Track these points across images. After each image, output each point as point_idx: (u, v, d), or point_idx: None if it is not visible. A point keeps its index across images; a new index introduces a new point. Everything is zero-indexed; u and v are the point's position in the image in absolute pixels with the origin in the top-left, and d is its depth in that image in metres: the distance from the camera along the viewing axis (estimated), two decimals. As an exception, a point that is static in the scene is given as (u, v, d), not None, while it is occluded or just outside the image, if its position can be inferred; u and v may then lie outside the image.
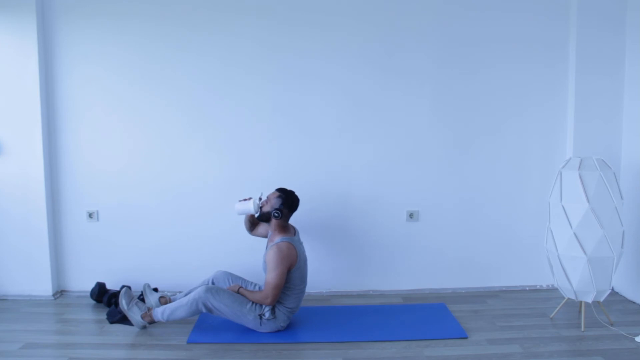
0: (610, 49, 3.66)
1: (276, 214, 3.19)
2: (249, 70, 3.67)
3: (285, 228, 3.24)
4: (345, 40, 3.67)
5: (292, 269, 3.11)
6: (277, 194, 3.25)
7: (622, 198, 3.17)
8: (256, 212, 3.27)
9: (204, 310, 3.07)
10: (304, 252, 3.25)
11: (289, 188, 3.32)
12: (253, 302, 3.10)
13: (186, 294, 3.27)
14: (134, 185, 3.74)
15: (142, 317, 3.14)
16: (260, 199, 3.32)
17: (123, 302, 3.14)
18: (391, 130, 3.75)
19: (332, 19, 3.66)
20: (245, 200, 3.31)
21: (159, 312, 3.11)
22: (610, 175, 3.11)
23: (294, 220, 3.37)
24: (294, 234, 3.27)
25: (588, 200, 3.06)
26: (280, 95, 3.70)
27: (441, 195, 3.81)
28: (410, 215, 3.81)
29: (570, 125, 3.74)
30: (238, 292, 3.14)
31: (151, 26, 3.62)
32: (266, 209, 3.24)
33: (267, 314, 3.09)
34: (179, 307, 3.07)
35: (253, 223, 3.50)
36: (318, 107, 3.71)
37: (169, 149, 3.72)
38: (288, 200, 3.24)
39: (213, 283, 3.34)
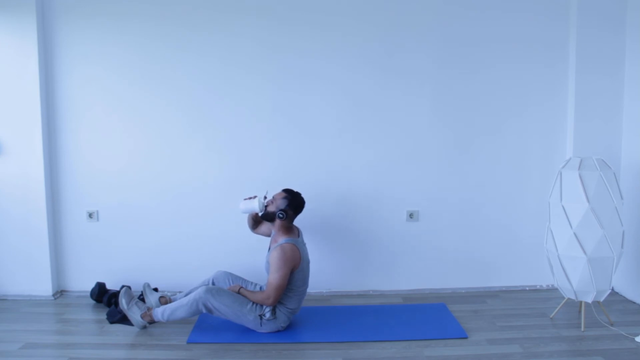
0: (610, 49, 3.66)
1: (281, 215, 3.17)
2: (249, 70, 3.67)
3: (289, 229, 3.22)
4: (345, 40, 3.67)
5: (295, 271, 3.10)
6: (283, 194, 3.24)
7: (622, 198, 3.17)
8: (260, 211, 3.25)
9: (204, 311, 3.06)
10: (307, 254, 3.24)
11: (295, 189, 3.31)
12: (253, 303, 3.09)
13: (186, 294, 3.27)
14: (134, 185, 3.74)
15: (142, 317, 3.14)
16: (265, 197, 3.30)
17: (123, 302, 3.14)
18: (391, 130, 3.75)
19: (332, 19, 3.66)
20: (250, 198, 3.29)
21: (159, 312, 3.11)
22: (610, 175, 3.11)
23: (296, 220, 3.37)
24: (298, 236, 3.25)
25: (588, 200, 3.06)
26: (280, 95, 3.70)
27: (441, 195, 3.81)
28: (410, 215, 3.81)
29: (570, 125, 3.74)
30: (239, 293, 3.14)
31: (151, 26, 3.63)
32: (271, 209, 3.22)
33: (268, 315, 3.08)
34: (179, 307, 3.06)
35: (256, 221, 3.49)
36: (318, 107, 3.71)
37: (169, 149, 3.72)
38: (294, 202, 3.22)
39: (213, 283, 3.33)
